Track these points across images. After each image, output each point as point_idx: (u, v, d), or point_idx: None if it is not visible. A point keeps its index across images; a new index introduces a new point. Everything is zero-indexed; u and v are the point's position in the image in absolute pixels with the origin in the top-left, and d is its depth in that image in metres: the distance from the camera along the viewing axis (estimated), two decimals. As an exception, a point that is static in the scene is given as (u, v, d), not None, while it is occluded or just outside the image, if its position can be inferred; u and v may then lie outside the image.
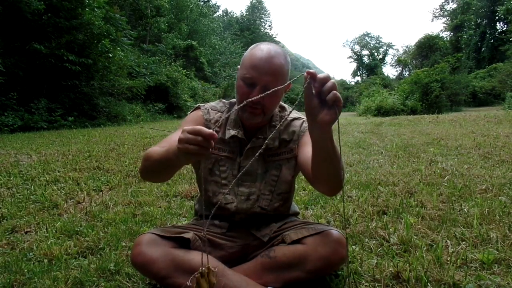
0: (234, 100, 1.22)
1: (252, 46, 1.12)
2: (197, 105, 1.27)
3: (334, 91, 0.75)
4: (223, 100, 1.29)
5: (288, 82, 1.06)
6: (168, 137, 1.15)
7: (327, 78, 0.76)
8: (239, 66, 1.13)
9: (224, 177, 1.19)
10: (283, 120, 1.05)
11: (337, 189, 0.98)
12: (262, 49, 1.06)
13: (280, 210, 1.23)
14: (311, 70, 0.78)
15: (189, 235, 1.07)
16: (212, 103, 1.28)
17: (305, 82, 0.78)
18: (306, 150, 1.09)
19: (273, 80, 1.04)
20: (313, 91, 0.77)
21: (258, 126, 1.18)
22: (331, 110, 0.77)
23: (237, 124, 1.18)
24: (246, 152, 1.17)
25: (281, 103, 1.26)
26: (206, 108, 1.24)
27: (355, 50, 55.58)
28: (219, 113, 1.23)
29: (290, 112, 1.17)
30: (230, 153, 1.19)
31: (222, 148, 1.19)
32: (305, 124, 1.22)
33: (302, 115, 1.26)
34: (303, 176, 1.29)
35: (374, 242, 1.51)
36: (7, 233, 1.73)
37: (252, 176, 1.19)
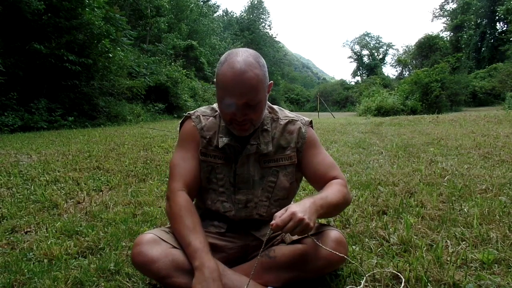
0: None
1: (223, 59, 1.05)
2: (187, 114, 1.24)
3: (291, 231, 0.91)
4: (212, 106, 1.26)
5: (270, 82, 1.09)
6: (174, 163, 1.18)
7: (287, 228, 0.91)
8: (215, 80, 1.07)
9: (222, 184, 1.18)
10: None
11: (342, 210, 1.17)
12: (231, 66, 1.00)
13: None
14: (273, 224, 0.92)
15: None
16: (202, 108, 1.25)
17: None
18: (314, 165, 1.18)
19: (252, 96, 1.00)
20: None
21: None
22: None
23: (229, 131, 1.15)
24: (241, 159, 1.16)
25: (271, 105, 1.24)
26: (196, 116, 1.21)
27: (355, 50, 55.48)
28: (211, 118, 1.21)
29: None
30: (226, 160, 1.17)
31: (217, 156, 1.17)
32: (304, 130, 1.20)
33: (296, 116, 1.24)
34: (303, 176, 1.29)
35: (374, 242, 1.51)
36: (7, 233, 1.73)
37: (248, 183, 1.17)
